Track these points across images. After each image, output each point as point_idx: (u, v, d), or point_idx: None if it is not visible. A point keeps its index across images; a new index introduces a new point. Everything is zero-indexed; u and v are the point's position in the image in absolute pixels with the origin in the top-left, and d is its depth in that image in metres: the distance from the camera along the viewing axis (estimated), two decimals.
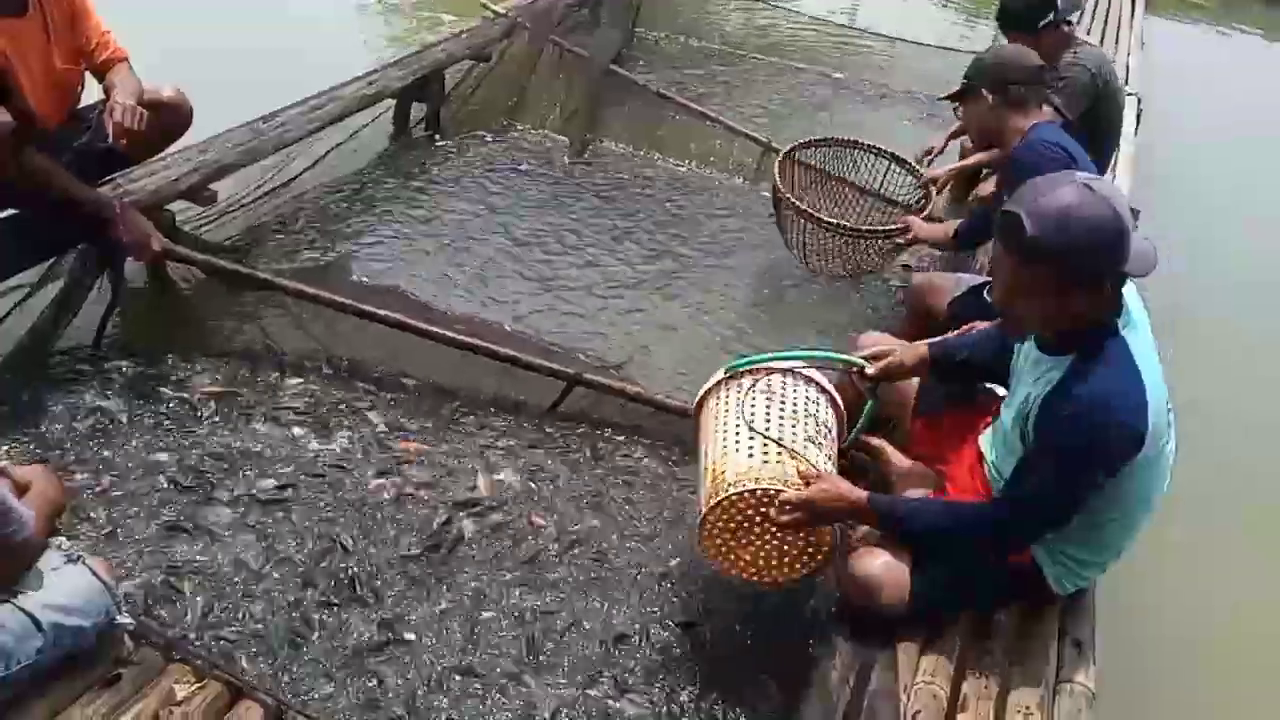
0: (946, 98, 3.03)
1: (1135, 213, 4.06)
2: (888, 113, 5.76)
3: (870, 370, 2.22)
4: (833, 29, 6.80)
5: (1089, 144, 3.65)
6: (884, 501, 2.04)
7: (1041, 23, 3.52)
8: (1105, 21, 6.50)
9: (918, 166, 3.90)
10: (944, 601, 2.09)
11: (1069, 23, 3.65)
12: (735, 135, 4.83)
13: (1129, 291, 1.79)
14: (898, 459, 2.32)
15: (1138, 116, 4.94)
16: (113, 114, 2.87)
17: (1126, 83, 5.13)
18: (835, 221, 3.60)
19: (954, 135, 4.00)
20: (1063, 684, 1.97)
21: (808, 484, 1.98)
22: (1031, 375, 1.87)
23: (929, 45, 6.50)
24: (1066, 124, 3.54)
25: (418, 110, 4.75)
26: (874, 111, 5.75)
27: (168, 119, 3.15)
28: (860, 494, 1.99)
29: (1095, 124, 3.65)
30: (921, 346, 2.23)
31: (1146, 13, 7.30)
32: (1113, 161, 4.08)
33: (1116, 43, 6.09)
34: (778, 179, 3.72)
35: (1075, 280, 1.68)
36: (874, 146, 3.98)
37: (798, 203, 3.65)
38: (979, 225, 3.24)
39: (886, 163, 3.99)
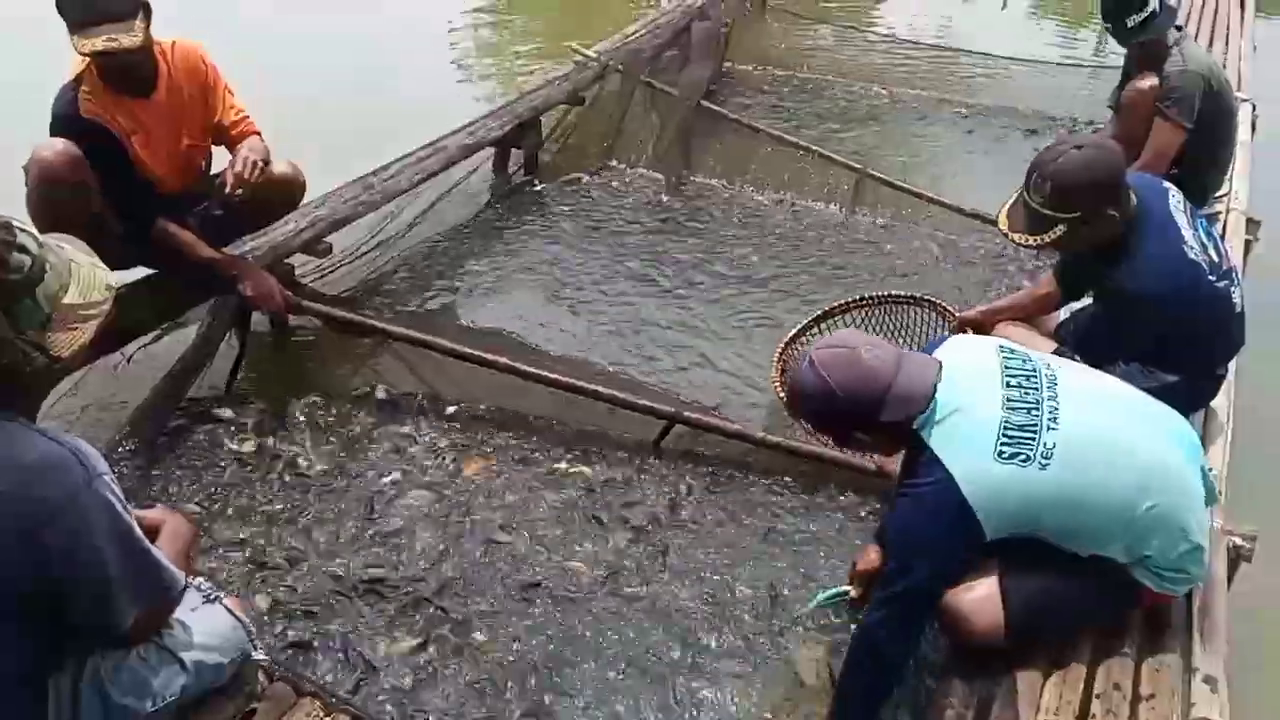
0: (1037, 248, 2.50)
1: (1255, 224, 3.96)
2: (983, 131, 5.67)
3: (854, 594, 2.48)
4: (920, 50, 6.74)
5: (1204, 149, 3.56)
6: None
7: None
8: (1214, 26, 6.27)
9: (949, 308, 3.23)
10: (1045, 619, 2.04)
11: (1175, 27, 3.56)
12: (829, 164, 4.82)
13: (953, 381, 1.94)
14: None
15: (1253, 123, 4.74)
16: (233, 165, 3.05)
17: (1239, 88, 4.93)
18: None
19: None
20: None
21: None
22: None
23: (1023, 60, 6.39)
24: (1188, 132, 3.45)
25: (516, 157, 4.89)
26: (967, 133, 5.67)
27: (281, 192, 3.31)
28: None
29: (1210, 130, 3.54)
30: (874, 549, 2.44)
31: (1258, 15, 6.99)
32: (1230, 169, 3.93)
33: (1226, 48, 5.86)
34: (777, 381, 3.09)
35: (851, 430, 2.04)
36: (894, 296, 3.34)
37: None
38: None
39: (913, 309, 3.32)
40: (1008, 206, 2.47)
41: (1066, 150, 2.33)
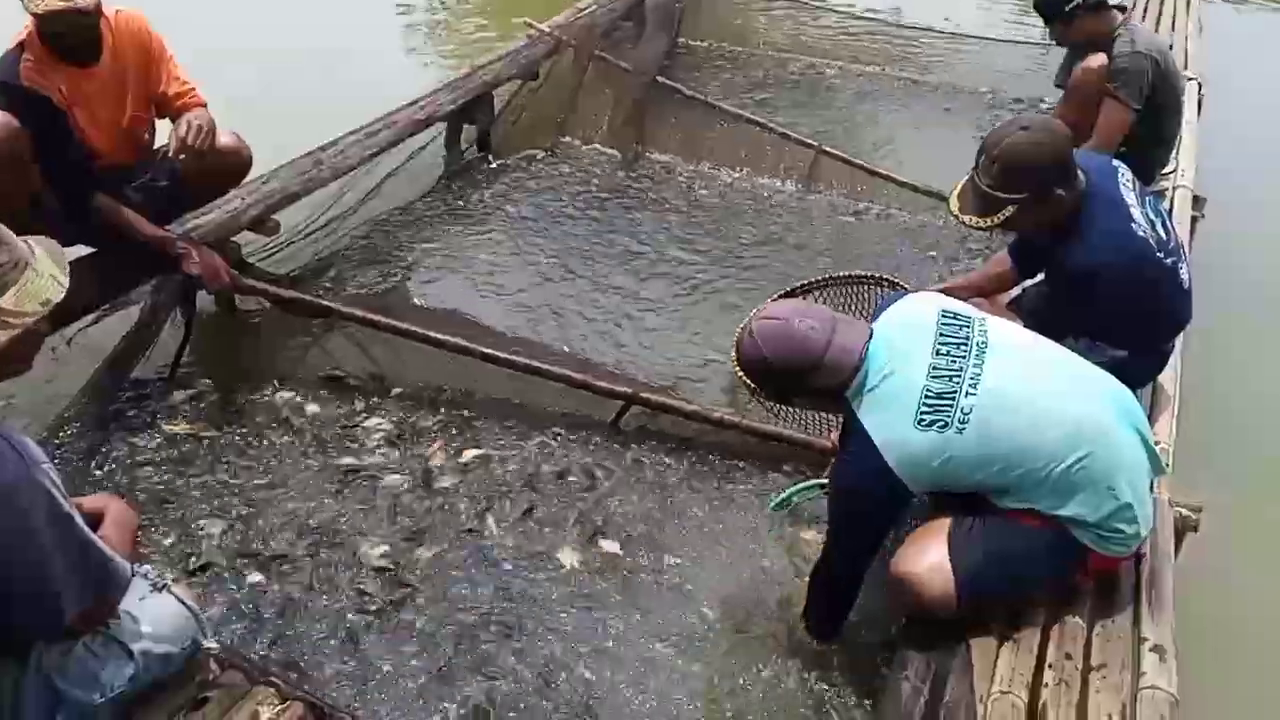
0: (987, 229, 2.48)
1: (1201, 200, 4.04)
2: (938, 108, 5.69)
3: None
4: (878, 26, 6.74)
5: (1152, 128, 3.61)
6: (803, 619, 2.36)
7: (1070, 6, 3.49)
8: (1161, 6, 6.35)
9: (907, 286, 3.11)
10: (994, 585, 2.08)
11: (1105, 4, 3.60)
12: (785, 140, 4.81)
13: (882, 351, 2.04)
14: None
15: (1199, 101, 4.82)
16: (177, 130, 2.96)
17: (1186, 67, 5.00)
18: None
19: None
20: (1144, 690, 1.93)
21: None
22: None
23: (976, 37, 6.42)
24: (1135, 113, 3.49)
25: (469, 132, 4.82)
26: (924, 108, 5.69)
27: (227, 164, 3.23)
28: None
29: (1158, 110, 3.59)
30: None
31: None
32: (1176, 146, 3.99)
33: (1173, 28, 5.94)
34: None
35: (787, 394, 2.20)
36: (854, 276, 3.31)
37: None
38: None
39: (873, 288, 3.28)
40: (958, 189, 2.49)
41: (1013, 131, 2.35)
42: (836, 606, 2.28)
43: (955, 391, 1.96)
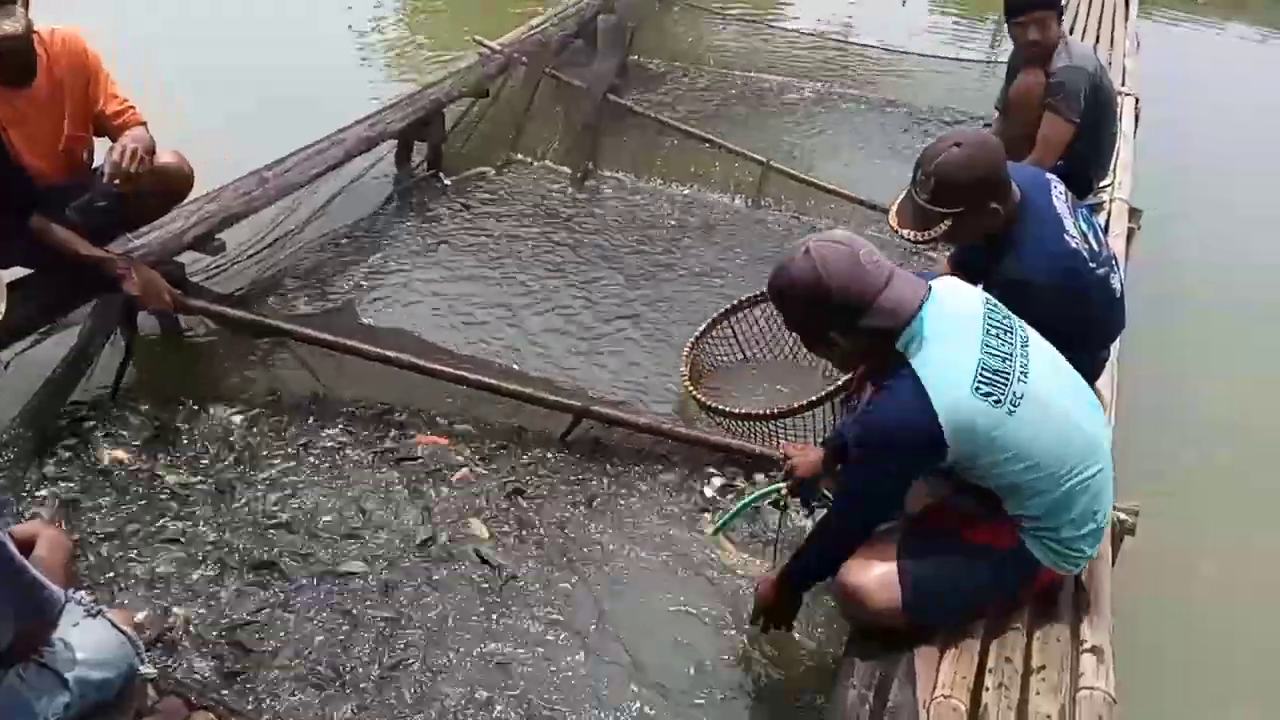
0: (925, 243, 2.58)
1: (1137, 212, 4.14)
2: (881, 125, 5.79)
3: (784, 489, 2.54)
4: (826, 44, 6.86)
5: (1089, 141, 3.70)
6: (786, 568, 2.27)
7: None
8: (1100, 22, 6.52)
9: None
10: (940, 600, 2.10)
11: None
12: (734, 156, 4.87)
13: (940, 310, 1.98)
14: None
15: (1136, 116, 4.95)
16: (112, 154, 2.92)
17: (1122, 83, 5.15)
18: (745, 412, 3.03)
19: None
20: (1082, 691, 1.96)
21: None
22: None
23: (921, 55, 6.56)
24: (1074, 126, 3.58)
25: (419, 150, 4.81)
26: (871, 124, 5.79)
27: (169, 184, 3.18)
28: (772, 579, 2.28)
29: (1094, 123, 3.67)
30: (815, 450, 2.53)
31: (1140, 13, 7.30)
32: (1113, 161, 4.09)
33: (1111, 45, 6.10)
34: (686, 377, 3.20)
35: (828, 329, 2.01)
36: None
37: (705, 400, 3.13)
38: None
39: None
40: (897, 203, 2.54)
41: (948, 148, 2.39)
42: (827, 565, 2.19)
43: (1010, 373, 1.95)
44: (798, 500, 2.59)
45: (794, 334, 2.25)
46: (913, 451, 1.97)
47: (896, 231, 2.50)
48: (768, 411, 2.95)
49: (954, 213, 2.39)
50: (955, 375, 1.93)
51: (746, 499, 2.71)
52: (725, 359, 3.51)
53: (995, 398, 1.93)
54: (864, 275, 1.95)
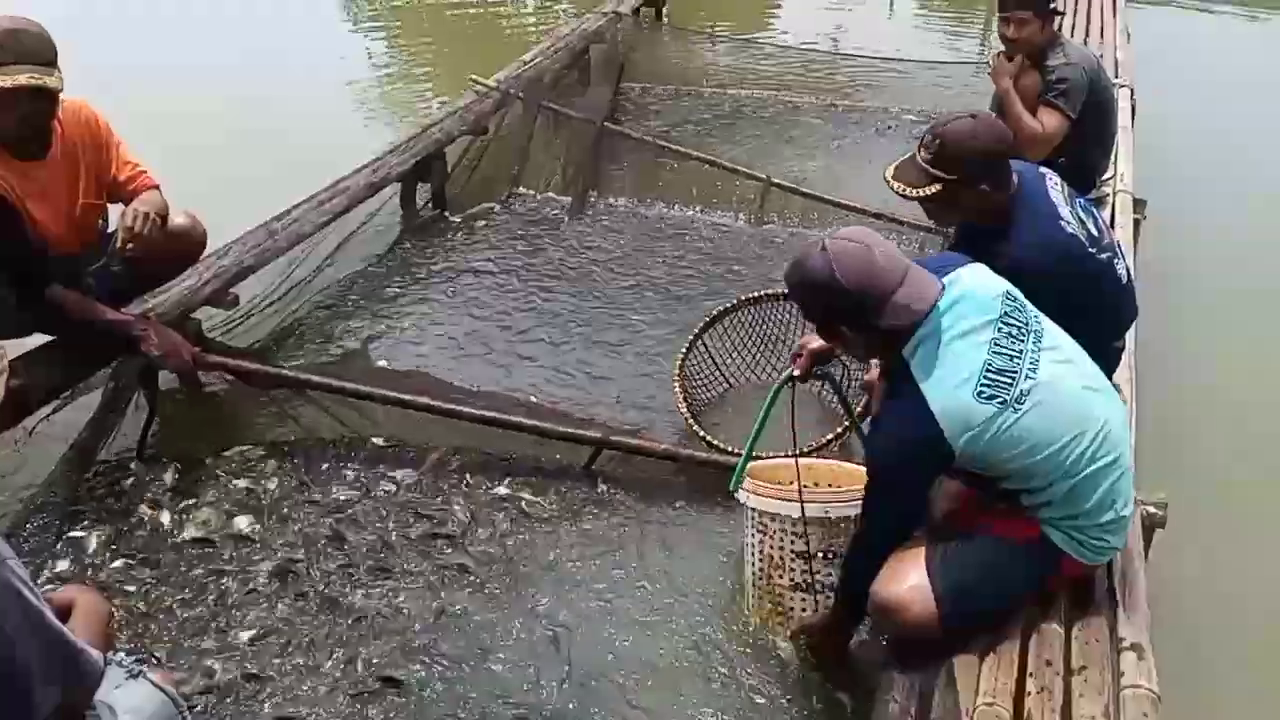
0: (913, 198, 2.53)
1: (1141, 203, 4.14)
2: (880, 132, 5.81)
3: (798, 373, 2.51)
4: (816, 56, 6.89)
5: (1089, 137, 3.71)
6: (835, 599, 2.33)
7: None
8: (1089, 15, 6.54)
9: None
10: (972, 600, 2.09)
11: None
12: (735, 175, 4.89)
13: (953, 309, 2.02)
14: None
15: (1133, 108, 4.96)
16: (124, 220, 2.96)
17: (1116, 75, 5.16)
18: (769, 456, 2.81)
19: None
20: (1126, 690, 1.95)
21: None
22: None
23: (915, 60, 6.59)
24: (1074, 123, 3.59)
25: (423, 191, 4.85)
26: (861, 131, 5.81)
27: (181, 245, 3.23)
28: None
29: (1094, 119, 3.68)
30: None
31: (1128, 3, 7.32)
32: (1114, 154, 4.10)
33: (1102, 38, 6.11)
34: (678, 388, 3.27)
35: (840, 324, 2.08)
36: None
37: (699, 430, 3.18)
38: None
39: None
40: (899, 161, 2.56)
41: (962, 117, 2.46)
42: (871, 575, 2.18)
43: (1016, 371, 1.98)
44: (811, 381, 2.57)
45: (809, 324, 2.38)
46: (921, 461, 2.05)
47: (888, 181, 2.54)
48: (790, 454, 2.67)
49: (947, 179, 2.42)
50: (957, 381, 1.97)
51: (757, 421, 2.54)
52: (709, 390, 3.49)
53: (1000, 399, 1.96)
54: (878, 274, 1.99)
